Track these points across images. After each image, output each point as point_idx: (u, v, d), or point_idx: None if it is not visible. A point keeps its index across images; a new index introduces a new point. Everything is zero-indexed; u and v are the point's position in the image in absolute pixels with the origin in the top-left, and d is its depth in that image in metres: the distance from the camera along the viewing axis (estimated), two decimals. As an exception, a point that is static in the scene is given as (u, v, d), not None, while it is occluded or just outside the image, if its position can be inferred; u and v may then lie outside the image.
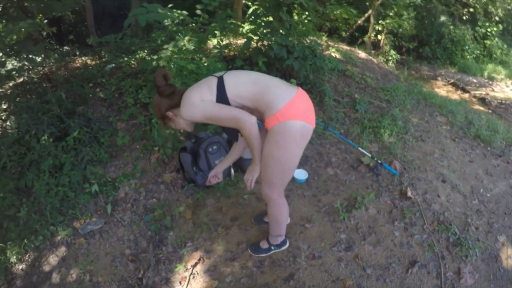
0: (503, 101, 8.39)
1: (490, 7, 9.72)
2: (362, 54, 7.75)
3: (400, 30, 9.97)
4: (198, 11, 4.54)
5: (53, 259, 2.82)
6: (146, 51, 5.46)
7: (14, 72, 4.44)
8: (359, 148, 3.57)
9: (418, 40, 12.15)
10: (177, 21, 4.36)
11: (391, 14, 9.66)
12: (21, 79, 4.79)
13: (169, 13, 3.82)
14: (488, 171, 3.71)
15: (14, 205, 3.22)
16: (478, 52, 12.54)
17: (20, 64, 4.46)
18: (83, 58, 6.59)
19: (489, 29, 12.76)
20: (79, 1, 6.79)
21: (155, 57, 4.26)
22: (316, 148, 3.76)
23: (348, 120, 4.40)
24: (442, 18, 11.90)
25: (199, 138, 3.31)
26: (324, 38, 7.48)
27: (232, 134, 2.08)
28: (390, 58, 9.26)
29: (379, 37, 9.95)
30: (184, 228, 2.92)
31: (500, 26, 12.91)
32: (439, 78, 10.59)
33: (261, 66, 4.15)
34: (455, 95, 8.89)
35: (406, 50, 11.67)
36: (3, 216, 3.17)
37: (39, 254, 2.90)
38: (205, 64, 4.08)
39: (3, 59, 4.55)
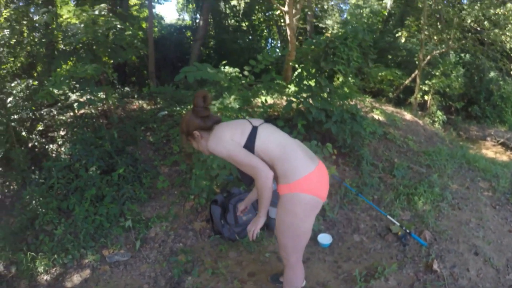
0: (559, 163, 7.79)
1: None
2: (407, 116, 7.69)
3: (448, 89, 9.78)
4: (245, 72, 4.88)
5: (76, 279, 3.07)
6: None
7: (75, 104, 4.91)
8: (388, 216, 3.49)
9: (467, 99, 11.69)
10: (229, 77, 4.68)
11: (437, 73, 9.57)
12: (81, 112, 5.33)
13: (218, 73, 4.16)
14: (529, 243, 3.42)
15: (53, 222, 3.62)
16: (530, 109, 11.86)
17: (82, 99, 4.88)
18: (140, 102, 7.20)
19: (540, 83, 12.05)
20: (143, 49, 7.51)
21: None
22: (346, 213, 3.74)
23: (383, 186, 4.32)
24: (491, 74, 11.51)
25: (231, 193, 3.47)
26: (369, 99, 7.57)
27: (245, 179, 2.09)
28: (436, 119, 9.06)
29: (425, 97, 9.83)
30: (202, 275, 2.99)
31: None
32: (488, 138, 10.09)
33: (300, 129, 4.27)
34: (504, 156, 8.39)
35: (454, 110, 11.30)
36: (41, 229, 3.58)
37: (65, 270, 3.17)
38: None
39: (68, 93, 5.18)
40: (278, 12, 9.66)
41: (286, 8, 5.65)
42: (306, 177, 1.85)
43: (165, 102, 6.79)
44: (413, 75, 9.52)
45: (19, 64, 6.17)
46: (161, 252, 3.33)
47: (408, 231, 3.28)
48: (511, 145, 9.08)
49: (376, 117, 6.45)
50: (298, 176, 1.85)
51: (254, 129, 1.96)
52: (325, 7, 12.79)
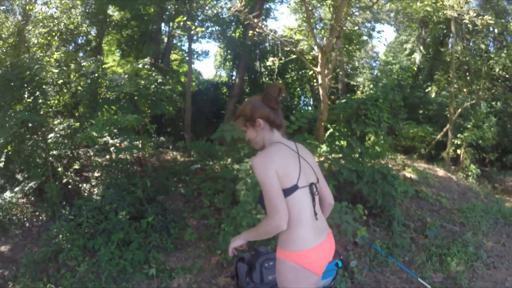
0: None
1: None
2: (440, 172, 7.48)
3: (480, 141, 9.44)
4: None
5: None
6: (230, 159, 5.87)
7: (112, 148, 5.16)
8: (419, 279, 3.30)
9: (501, 149, 11.21)
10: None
11: (469, 126, 9.33)
12: (115, 157, 5.45)
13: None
14: None
15: (76, 259, 3.65)
16: None
17: (119, 145, 5.06)
18: (175, 153, 7.46)
19: None
20: (181, 103, 7.90)
21: (236, 166, 4.55)
22: (375, 275, 3.59)
23: (415, 247, 4.15)
24: None
25: (258, 252, 3.45)
26: (401, 157, 7.47)
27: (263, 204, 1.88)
28: (470, 173, 8.68)
29: (458, 151, 9.53)
30: None
31: None
32: None
33: (331, 190, 4.26)
34: None
35: (488, 161, 10.81)
36: (64, 264, 3.63)
37: None
38: None
39: (107, 140, 5.41)
40: (311, 72, 10.03)
41: (318, 69, 5.87)
42: (306, 251, 1.74)
43: (198, 156, 6.88)
44: (444, 129, 9.34)
45: (63, 104, 6.49)
46: None
47: None
48: (549, 194, 8.51)
49: (408, 175, 6.32)
50: (294, 248, 1.74)
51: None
52: (356, 64, 13.08)
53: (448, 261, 3.75)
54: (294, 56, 6.37)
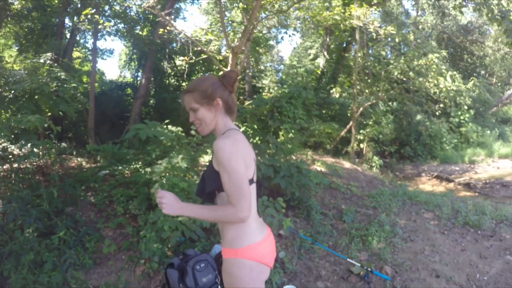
0: (487, 181, 8.72)
1: (458, 98, 10.73)
2: (346, 164, 8.15)
3: (381, 136, 10.71)
4: (192, 132, 4.88)
5: None
6: (140, 163, 5.62)
7: (11, 157, 4.57)
8: (348, 259, 3.56)
9: (399, 142, 12.95)
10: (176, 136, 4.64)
11: (370, 123, 10.45)
12: (17, 166, 4.84)
13: (167, 132, 4.12)
14: (482, 255, 3.72)
15: None
16: (455, 140, 13.43)
17: (21, 153, 4.56)
18: (79, 159, 6.77)
19: (462, 117, 13.86)
20: (85, 104, 7.21)
21: (148, 169, 4.37)
22: (305, 262, 3.72)
23: (336, 232, 4.42)
24: (418, 117, 12.91)
25: (186, 255, 3.28)
26: (309, 153, 7.95)
27: (207, 195, 1.75)
28: (373, 164, 9.78)
29: (361, 145, 10.64)
30: None
31: (472, 111, 13.92)
32: (423, 174, 11.06)
33: None
34: (441, 187, 9.22)
35: (388, 153, 12.37)
36: None
37: None
38: (197, 182, 4.23)
39: (6, 145, 4.76)
40: (220, 73, 10.10)
41: (228, 68, 5.89)
42: (255, 245, 1.65)
43: (105, 161, 6.37)
44: (348, 126, 10.32)
45: None
46: None
47: (369, 269, 3.35)
48: (444, 176, 10.02)
49: (318, 168, 6.74)
50: (247, 243, 1.64)
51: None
52: (262, 67, 13.58)
53: (370, 240, 4.08)
54: (204, 56, 6.32)
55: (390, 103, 12.32)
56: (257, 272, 1.66)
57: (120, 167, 5.75)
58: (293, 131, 4.74)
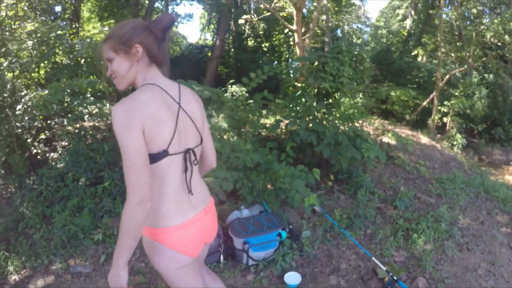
0: None
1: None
2: (424, 139, 7.03)
3: (469, 111, 8.80)
4: (240, 90, 4.57)
5: (40, 283, 3.01)
6: None
7: (69, 116, 4.97)
8: (373, 258, 2.85)
9: (490, 121, 10.54)
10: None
11: (457, 93, 8.65)
12: (88, 124, 5.33)
13: (205, 91, 3.85)
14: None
15: (35, 227, 3.62)
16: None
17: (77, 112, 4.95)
18: None
19: None
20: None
21: None
22: (328, 249, 3.14)
23: (381, 218, 3.66)
24: None
25: None
26: (379, 121, 7.00)
27: None
28: (455, 142, 8.13)
29: (445, 119, 8.98)
30: None
31: None
32: None
33: (289, 151, 3.79)
34: None
35: (477, 132, 10.16)
36: (23, 232, 3.63)
37: (33, 274, 3.11)
38: (233, 142, 3.95)
39: (70, 102, 5.12)
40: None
41: (294, 27, 5.30)
42: (169, 229, 1.34)
43: None
44: (431, 95, 8.74)
45: (43, 75, 6.17)
46: None
47: (395, 278, 2.61)
48: (542, 169, 8.12)
49: (386, 140, 5.90)
50: (160, 224, 1.34)
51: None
52: (346, 28, 12.37)
53: (415, 238, 3.19)
54: (268, 14, 5.81)
55: (485, 75, 10.05)
56: (170, 259, 1.37)
57: None
58: (346, 93, 4.02)
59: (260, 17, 5.99)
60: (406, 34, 11.01)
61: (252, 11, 5.69)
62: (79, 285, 2.98)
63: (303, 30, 5.92)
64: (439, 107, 8.41)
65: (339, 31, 12.14)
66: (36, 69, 5.60)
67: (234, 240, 2.91)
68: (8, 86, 4.70)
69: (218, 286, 1.75)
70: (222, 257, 2.94)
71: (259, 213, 3.29)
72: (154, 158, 1.25)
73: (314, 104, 3.69)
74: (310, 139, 3.77)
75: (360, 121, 4.95)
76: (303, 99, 3.71)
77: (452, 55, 9.03)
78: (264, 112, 5.36)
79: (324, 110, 4.01)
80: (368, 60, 4.12)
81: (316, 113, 4.03)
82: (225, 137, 4.28)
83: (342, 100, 4.04)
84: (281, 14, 6.26)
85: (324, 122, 4.07)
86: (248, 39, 12.57)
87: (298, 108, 3.84)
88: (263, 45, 12.53)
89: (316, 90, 3.64)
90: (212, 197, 1.55)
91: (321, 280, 2.77)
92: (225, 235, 3.03)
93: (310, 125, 3.87)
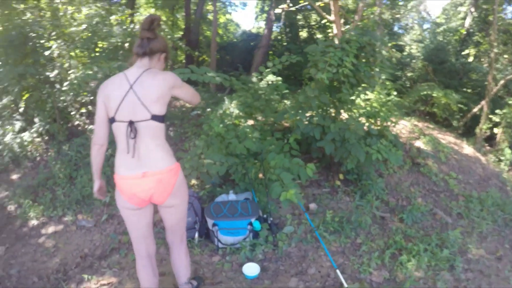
0: None
1: None
2: (467, 149, 6.32)
3: None
4: (254, 79, 4.50)
5: (50, 229, 3.56)
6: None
7: None
8: (337, 271, 2.56)
9: None
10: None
11: (510, 102, 7.49)
12: None
13: (217, 77, 3.85)
14: None
15: (60, 185, 4.20)
16: None
17: None
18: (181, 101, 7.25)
19: None
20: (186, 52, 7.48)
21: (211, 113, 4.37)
22: (305, 249, 2.92)
23: (378, 229, 3.29)
24: None
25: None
26: (420, 123, 6.42)
27: None
28: (503, 158, 7.10)
29: (495, 130, 7.85)
30: (125, 258, 2.96)
31: None
32: None
33: (292, 144, 3.62)
34: None
35: None
36: (50, 188, 4.21)
37: (47, 221, 3.67)
38: (239, 128, 3.91)
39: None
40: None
41: (332, 17, 5.07)
42: (117, 176, 1.81)
43: (202, 103, 6.72)
44: (482, 102, 7.66)
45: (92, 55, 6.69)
46: (115, 229, 3.45)
47: None
48: None
49: (418, 144, 5.42)
50: (115, 169, 1.83)
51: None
52: (407, 24, 11.50)
53: (403, 260, 2.73)
54: (305, 3, 5.60)
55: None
56: (117, 197, 1.87)
57: (209, 109, 5.86)
58: (348, 85, 3.69)
59: (297, 6, 5.79)
60: (464, 32, 9.87)
61: (288, 0, 5.52)
62: (79, 236, 3.42)
63: (342, 21, 5.60)
64: (490, 116, 7.43)
65: (396, 27, 11.36)
66: (85, 51, 6.00)
67: (207, 221, 2.93)
68: (58, 64, 5.20)
69: (176, 257, 2.11)
70: (197, 234, 2.98)
71: (244, 199, 3.25)
72: (110, 121, 1.76)
73: (315, 96, 3.48)
74: (312, 133, 3.59)
75: (393, 120, 4.54)
76: (308, 91, 3.52)
77: (506, 56, 7.87)
78: (288, 102, 5.24)
79: (335, 103, 3.79)
80: (385, 51, 3.71)
81: (325, 106, 3.83)
82: (236, 122, 4.27)
83: (349, 93, 3.69)
84: (318, 4, 5.97)
85: (333, 116, 3.86)
86: (301, 29, 12.26)
87: (299, 99, 3.67)
88: (315, 37, 12.17)
89: (327, 82, 3.40)
90: (169, 167, 1.80)
91: (281, 279, 2.61)
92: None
93: (315, 118, 3.68)
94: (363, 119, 4.29)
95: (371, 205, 3.62)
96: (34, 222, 3.73)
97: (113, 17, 5.67)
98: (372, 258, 2.82)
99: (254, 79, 4.54)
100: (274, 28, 11.74)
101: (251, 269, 2.60)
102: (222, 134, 3.67)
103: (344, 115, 4.19)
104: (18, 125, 5.26)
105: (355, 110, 4.21)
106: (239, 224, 2.85)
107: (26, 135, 5.09)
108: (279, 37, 12.28)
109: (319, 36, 11.67)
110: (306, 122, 3.67)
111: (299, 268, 2.73)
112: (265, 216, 3.11)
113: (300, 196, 2.73)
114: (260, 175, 3.51)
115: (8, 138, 5.00)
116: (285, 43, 11.87)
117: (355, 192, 3.88)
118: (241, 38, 13.41)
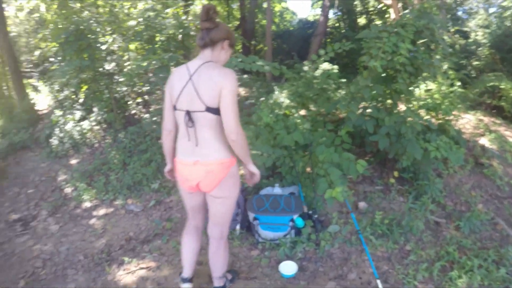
0: None
1: None
2: (545, 151, 5.54)
3: None
4: (305, 67, 4.30)
5: (101, 212, 3.80)
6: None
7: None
8: (378, 282, 2.33)
9: None
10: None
11: None
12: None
13: (265, 66, 3.73)
14: None
15: (114, 170, 4.47)
16: None
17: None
18: (242, 89, 7.16)
19: None
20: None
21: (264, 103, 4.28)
22: (349, 251, 2.73)
23: (431, 236, 2.95)
24: None
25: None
26: (479, 115, 5.72)
27: None
28: None
29: None
30: (167, 245, 3.06)
31: None
32: None
33: (343, 136, 3.45)
34: None
35: None
36: (105, 173, 4.48)
37: (99, 204, 3.94)
38: (290, 119, 3.77)
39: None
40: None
41: (389, 1, 4.67)
42: (175, 159, 1.95)
43: (256, 92, 6.64)
44: None
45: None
46: (161, 216, 3.57)
47: None
48: None
49: (484, 142, 4.83)
50: (176, 154, 1.96)
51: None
52: (473, 8, 10.36)
53: (454, 275, 2.42)
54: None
55: None
56: (178, 178, 2.02)
57: (262, 98, 5.83)
58: (405, 75, 3.33)
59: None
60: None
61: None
62: (127, 219, 3.59)
63: (400, 5, 5.13)
64: None
65: (460, 11, 10.27)
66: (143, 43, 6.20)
67: (248, 213, 2.88)
68: (115, 57, 5.56)
69: (213, 252, 2.12)
70: (238, 226, 2.94)
71: (289, 194, 3.13)
72: (174, 108, 1.87)
73: (367, 85, 3.20)
74: (364, 126, 3.33)
75: (456, 113, 4.12)
76: (360, 80, 3.24)
77: None
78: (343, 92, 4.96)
79: (392, 94, 3.48)
80: (447, 37, 3.26)
81: (380, 97, 3.53)
82: (286, 113, 4.13)
83: (405, 83, 3.33)
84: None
85: (389, 108, 3.56)
86: (359, 16, 11.65)
87: (351, 89, 3.41)
88: (375, 23, 11.48)
89: (381, 71, 3.10)
90: (221, 160, 1.82)
91: (318, 281, 2.47)
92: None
93: (369, 110, 3.41)
94: (422, 112, 3.92)
95: (425, 208, 3.30)
96: (87, 204, 3.97)
97: (168, 10, 5.77)
98: (419, 270, 2.55)
99: (306, 68, 4.33)
100: (331, 15, 11.27)
101: (288, 267, 2.50)
102: (270, 124, 3.57)
103: (402, 107, 3.85)
104: (78, 114, 5.65)
105: (414, 102, 3.84)
106: (281, 220, 2.75)
107: (85, 124, 5.44)
108: (337, 25, 11.74)
109: (378, 22, 10.98)
110: (359, 114, 3.40)
111: (339, 271, 2.57)
112: (310, 212, 2.96)
113: (346, 194, 2.55)
114: (308, 169, 3.35)
115: (69, 126, 5.37)
116: (343, 30, 11.34)
117: (410, 192, 3.56)
118: (297, 26, 13.09)
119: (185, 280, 2.20)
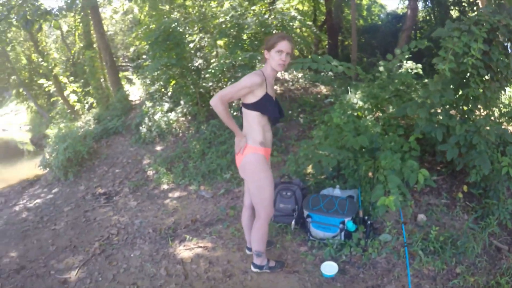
0: None
1: None
2: None
3: None
4: (381, 68, 4.14)
5: (176, 194, 4.27)
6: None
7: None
8: None
9: None
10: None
11: None
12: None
13: (339, 66, 3.70)
14: None
15: (193, 159, 4.93)
16: None
17: None
18: (321, 87, 7.17)
19: None
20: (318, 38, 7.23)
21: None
22: (395, 264, 2.68)
23: (487, 262, 2.67)
24: None
25: (291, 181, 3.47)
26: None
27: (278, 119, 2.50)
28: None
29: None
30: (226, 230, 3.39)
31: None
32: None
33: (412, 143, 3.30)
34: None
35: None
36: (184, 160, 4.95)
37: (175, 187, 4.44)
38: (360, 121, 3.71)
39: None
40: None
41: None
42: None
43: (338, 90, 6.56)
44: None
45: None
46: (228, 203, 3.86)
47: None
48: None
49: None
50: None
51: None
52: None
53: None
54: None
55: None
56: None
57: (341, 97, 5.74)
58: (478, 79, 2.95)
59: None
60: None
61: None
62: (197, 204, 3.96)
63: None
64: None
65: None
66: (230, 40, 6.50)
67: (304, 211, 3.04)
68: (201, 54, 6.07)
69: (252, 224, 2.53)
70: (293, 222, 3.10)
71: (346, 197, 3.15)
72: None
73: (437, 90, 2.97)
74: (434, 134, 3.14)
75: None
76: (430, 84, 3.03)
77: None
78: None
79: (468, 100, 3.21)
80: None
81: (453, 103, 3.27)
82: (359, 114, 4.07)
83: (478, 88, 3.00)
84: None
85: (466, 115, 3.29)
86: (452, 8, 10.50)
87: (420, 94, 3.21)
88: (469, 14, 10.22)
89: (448, 74, 2.84)
90: (244, 145, 2.34)
91: (355, 286, 2.53)
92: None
93: (439, 116, 3.19)
94: (503, 121, 3.53)
95: (489, 230, 2.96)
96: (164, 186, 4.45)
97: (253, 7, 6.02)
98: (459, 289, 2.36)
99: (381, 68, 4.16)
100: (421, 8, 10.32)
101: (329, 268, 2.61)
102: (340, 125, 3.56)
103: (482, 115, 3.51)
104: (166, 106, 6.29)
105: (495, 109, 3.47)
106: (332, 220, 2.83)
107: (172, 115, 6.04)
108: (427, 18, 10.76)
109: (471, 15, 9.72)
110: (428, 120, 3.20)
111: (378, 281, 2.57)
112: (365, 217, 2.96)
113: (400, 203, 2.47)
114: (370, 174, 3.31)
115: (157, 117, 6.03)
116: (432, 24, 10.38)
117: (476, 211, 3.26)
118: (385, 20, 12.37)
119: (248, 249, 2.79)
